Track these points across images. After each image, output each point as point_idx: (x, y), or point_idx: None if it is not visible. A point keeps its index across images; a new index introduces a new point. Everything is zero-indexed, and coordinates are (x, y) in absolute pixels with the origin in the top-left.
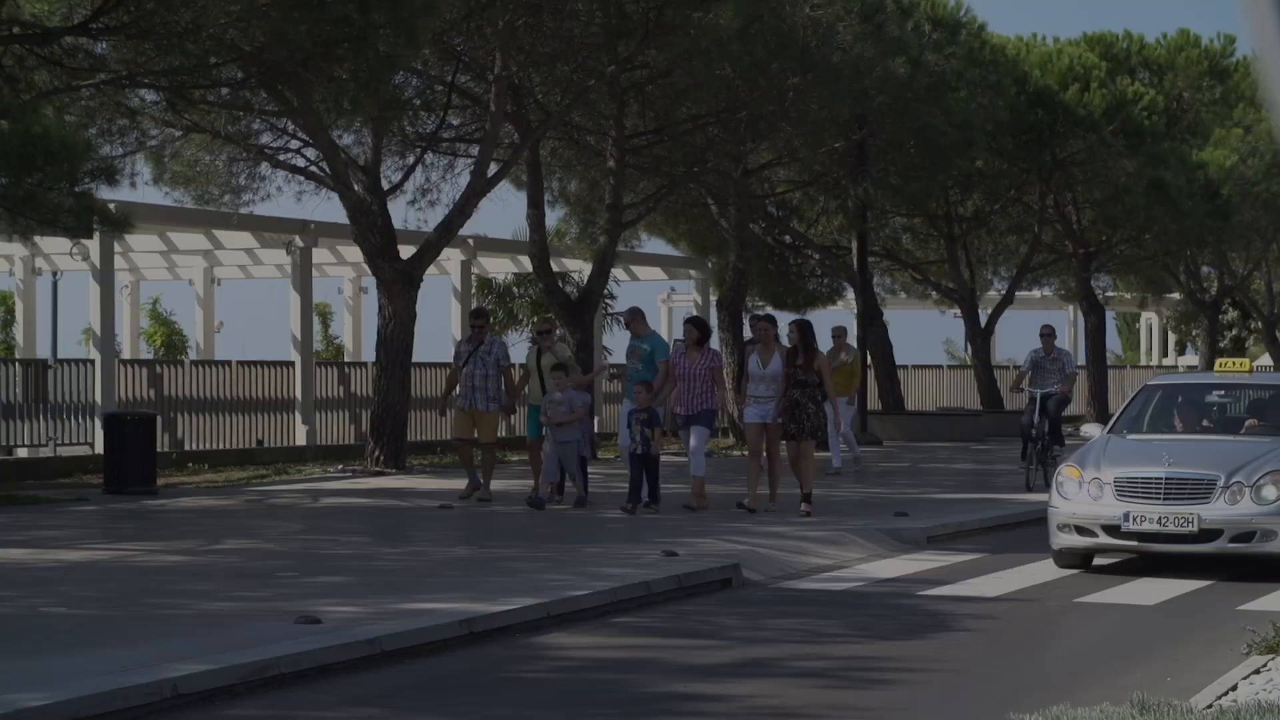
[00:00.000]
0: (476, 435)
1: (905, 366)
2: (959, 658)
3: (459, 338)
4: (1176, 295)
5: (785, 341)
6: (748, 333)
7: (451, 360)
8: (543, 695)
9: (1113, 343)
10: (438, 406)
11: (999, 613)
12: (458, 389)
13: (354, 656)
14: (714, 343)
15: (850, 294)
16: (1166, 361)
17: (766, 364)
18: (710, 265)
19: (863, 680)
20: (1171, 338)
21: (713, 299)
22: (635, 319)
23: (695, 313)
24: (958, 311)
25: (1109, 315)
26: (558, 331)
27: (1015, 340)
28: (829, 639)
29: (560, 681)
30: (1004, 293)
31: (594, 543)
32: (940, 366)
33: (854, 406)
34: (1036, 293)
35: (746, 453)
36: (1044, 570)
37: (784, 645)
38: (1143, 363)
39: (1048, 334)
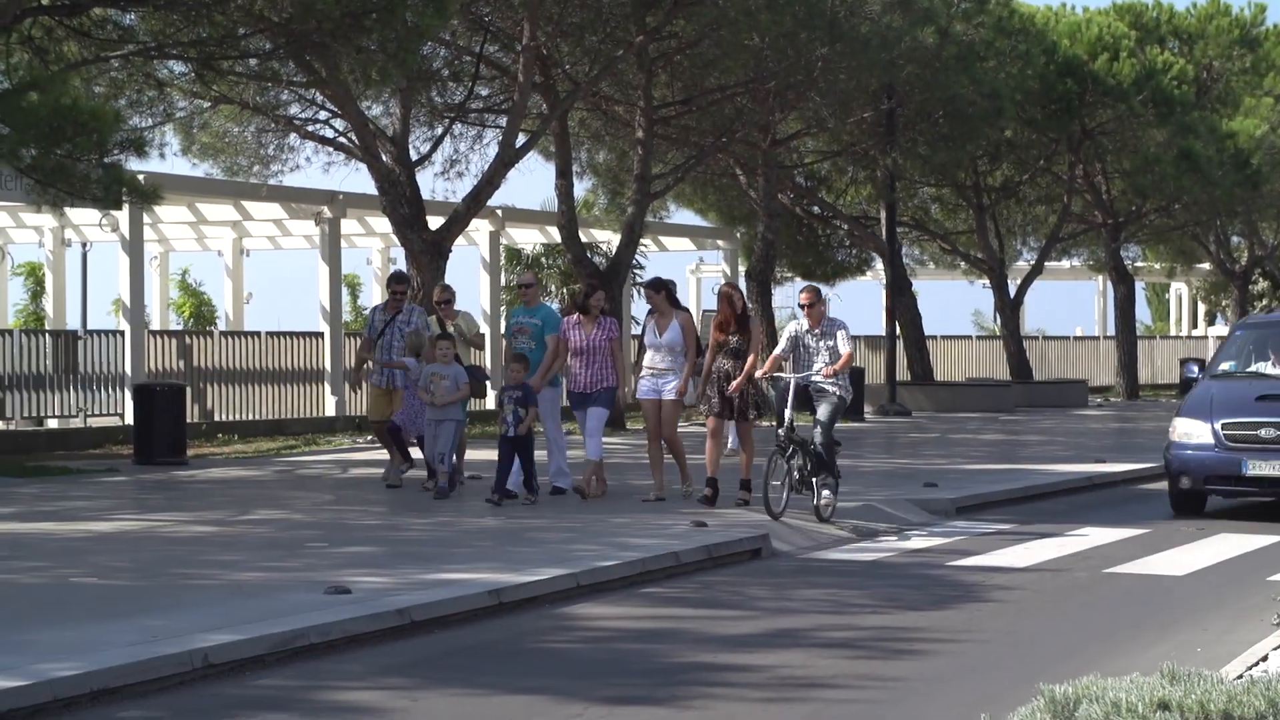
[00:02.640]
0: (394, 414)
1: (934, 337)
2: (987, 628)
3: (488, 309)
4: (1206, 265)
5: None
6: (779, 301)
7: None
8: (572, 665)
9: (1142, 313)
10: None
11: (1027, 583)
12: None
13: (383, 627)
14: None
15: (879, 264)
16: (1196, 332)
17: (662, 332)
18: (739, 236)
19: (891, 651)
20: (1201, 308)
21: (741, 269)
22: (534, 287)
23: (725, 283)
24: (986, 282)
25: (1138, 285)
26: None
27: (1045, 311)
28: (857, 610)
29: (589, 651)
30: (1033, 263)
31: (622, 513)
32: (969, 337)
33: None
34: (1065, 263)
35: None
36: (1073, 541)
37: (812, 616)
38: (1172, 333)
39: (810, 302)
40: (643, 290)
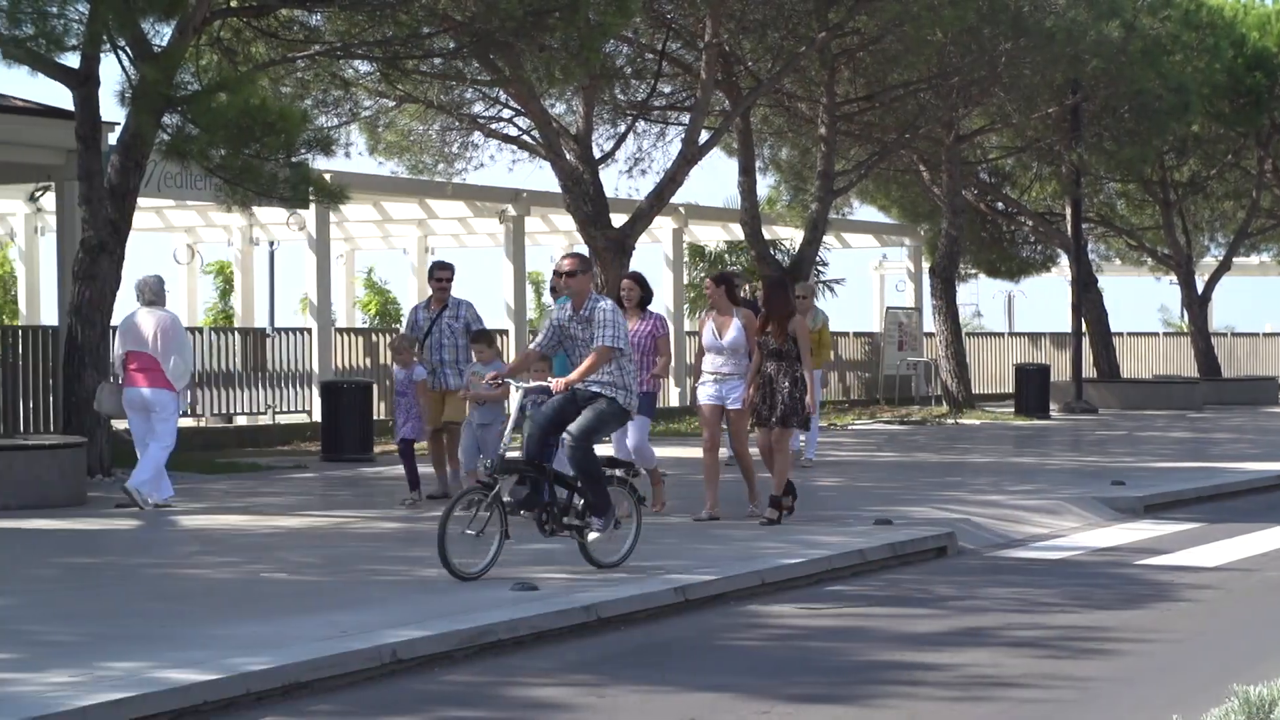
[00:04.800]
0: (446, 418)
1: (1120, 334)
2: (1178, 628)
3: (671, 307)
4: None
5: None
6: (963, 298)
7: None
8: (758, 663)
9: None
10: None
11: (1218, 582)
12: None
13: (570, 623)
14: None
15: (1064, 261)
16: None
17: (722, 333)
18: (922, 232)
19: (1080, 650)
20: None
21: (925, 266)
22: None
23: (909, 282)
24: (1173, 278)
25: None
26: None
27: (1233, 307)
28: (1045, 608)
29: (775, 649)
30: (1221, 259)
31: (806, 510)
32: (1156, 334)
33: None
34: (1254, 259)
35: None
36: (1264, 540)
37: (1000, 614)
38: None
39: (570, 270)
40: (704, 283)
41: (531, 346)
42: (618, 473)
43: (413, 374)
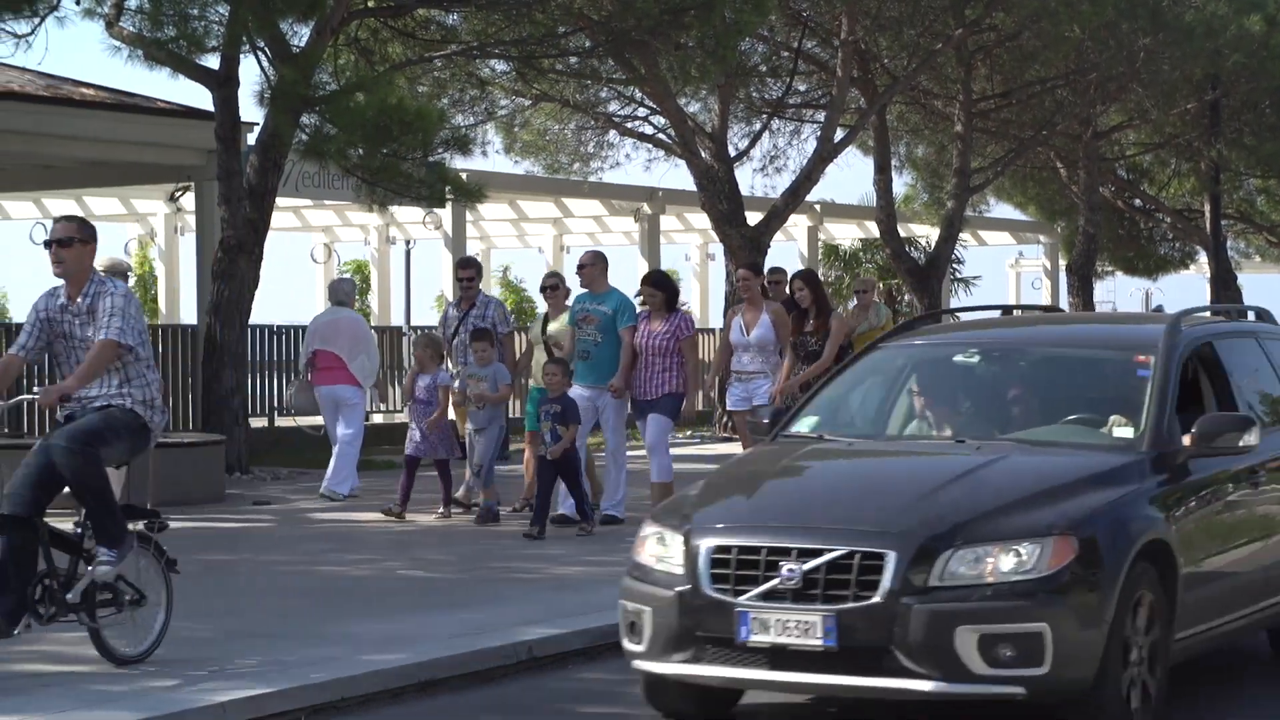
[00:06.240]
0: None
1: None
2: None
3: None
4: None
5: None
6: (1100, 295)
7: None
8: None
9: None
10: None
11: None
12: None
13: None
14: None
15: (1202, 258)
16: None
17: (750, 329)
18: (1059, 230)
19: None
20: None
21: (1062, 263)
22: (594, 266)
23: (1045, 279)
24: None
25: None
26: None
27: None
28: None
29: None
30: None
31: None
32: None
33: None
34: None
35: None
36: None
37: None
38: None
39: (66, 237)
40: (737, 275)
41: (11, 350)
42: (139, 526)
43: (437, 379)
